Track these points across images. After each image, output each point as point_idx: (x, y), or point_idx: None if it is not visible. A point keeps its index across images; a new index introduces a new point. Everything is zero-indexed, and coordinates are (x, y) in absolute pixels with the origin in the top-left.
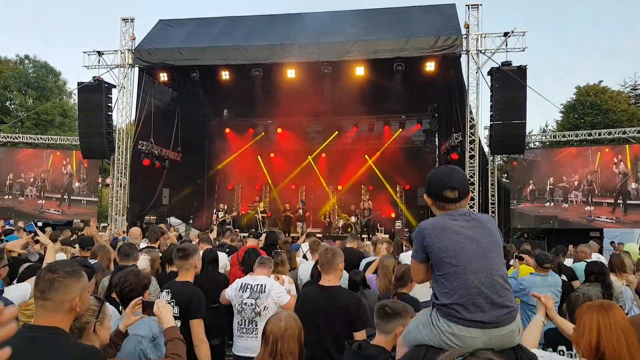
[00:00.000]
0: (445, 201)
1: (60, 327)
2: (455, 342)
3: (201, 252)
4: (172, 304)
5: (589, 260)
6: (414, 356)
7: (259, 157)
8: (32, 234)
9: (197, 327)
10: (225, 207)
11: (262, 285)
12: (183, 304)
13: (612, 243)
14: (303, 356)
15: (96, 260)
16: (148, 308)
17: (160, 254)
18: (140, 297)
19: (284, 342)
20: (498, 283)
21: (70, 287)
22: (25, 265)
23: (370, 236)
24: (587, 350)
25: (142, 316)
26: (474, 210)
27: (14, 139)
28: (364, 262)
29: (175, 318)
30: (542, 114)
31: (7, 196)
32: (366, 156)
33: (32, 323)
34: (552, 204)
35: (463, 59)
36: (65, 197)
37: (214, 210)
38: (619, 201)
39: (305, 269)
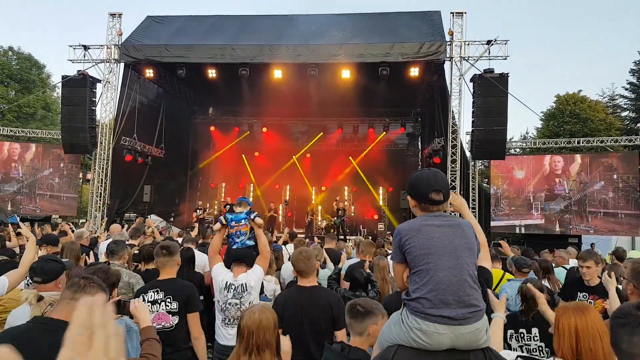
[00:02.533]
0: (431, 203)
1: None
2: (423, 338)
3: None
4: (168, 300)
5: (567, 267)
6: (384, 355)
7: (243, 155)
8: (14, 225)
9: (195, 320)
10: (207, 205)
11: (243, 284)
12: (182, 300)
13: (592, 245)
14: (280, 351)
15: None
16: (119, 307)
17: (136, 252)
18: (112, 300)
19: (259, 334)
20: (466, 282)
21: (97, 294)
22: None
23: (346, 237)
24: (567, 352)
25: (118, 316)
26: (454, 214)
27: None
28: (347, 263)
29: (174, 314)
30: (523, 121)
31: None
32: (350, 158)
33: (49, 316)
34: (533, 210)
35: (447, 65)
36: (45, 192)
37: (194, 209)
38: (596, 209)
39: (288, 268)
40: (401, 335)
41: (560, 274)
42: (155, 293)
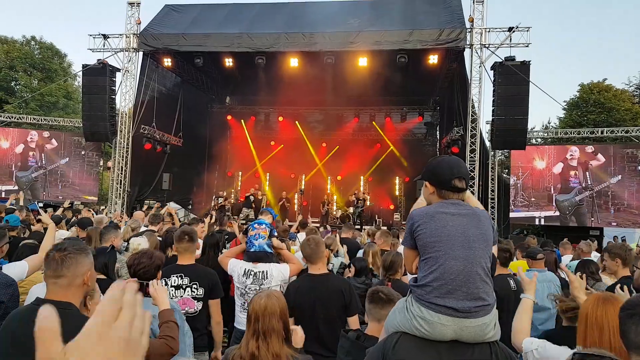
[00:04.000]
0: (452, 190)
1: (72, 302)
2: (425, 327)
3: None
4: (194, 286)
5: (585, 259)
6: (387, 341)
7: (259, 144)
8: (35, 212)
9: (218, 306)
10: (225, 193)
11: (264, 272)
12: (207, 286)
13: (615, 237)
14: (290, 339)
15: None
16: (139, 288)
17: (160, 238)
18: (130, 279)
19: (264, 319)
20: (477, 274)
21: (81, 263)
22: (22, 242)
23: (362, 227)
24: (591, 341)
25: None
26: None
27: (18, 119)
28: (361, 252)
29: (199, 300)
30: (544, 111)
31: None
32: (366, 147)
33: (45, 298)
34: (553, 202)
35: (467, 52)
36: (66, 179)
37: (213, 197)
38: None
39: (299, 257)
40: (404, 322)
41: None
42: (179, 278)
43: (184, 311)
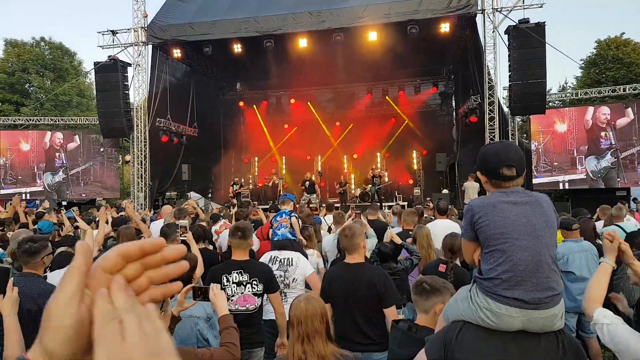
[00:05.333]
0: (503, 179)
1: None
2: (492, 319)
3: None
4: (254, 282)
5: (620, 224)
6: (449, 330)
7: (273, 129)
8: (71, 219)
9: (278, 298)
10: (242, 180)
11: (290, 258)
12: (265, 281)
13: (634, 200)
14: (332, 333)
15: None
16: (199, 293)
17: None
18: (192, 284)
19: (307, 323)
20: (546, 263)
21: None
22: (59, 250)
23: (381, 205)
24: None
25: (194, 302)
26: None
27: (36, 121)
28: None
29: (258, 295)
30: (560, 71)
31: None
32: (381, 123)
33: None
34: (577, 165)
35: (479, 18)
36: (88, 176)
37: (231, 184)
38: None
39: (328, 241)
40: (468, 312)
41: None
42: (240, 275)
43: (244, 307)
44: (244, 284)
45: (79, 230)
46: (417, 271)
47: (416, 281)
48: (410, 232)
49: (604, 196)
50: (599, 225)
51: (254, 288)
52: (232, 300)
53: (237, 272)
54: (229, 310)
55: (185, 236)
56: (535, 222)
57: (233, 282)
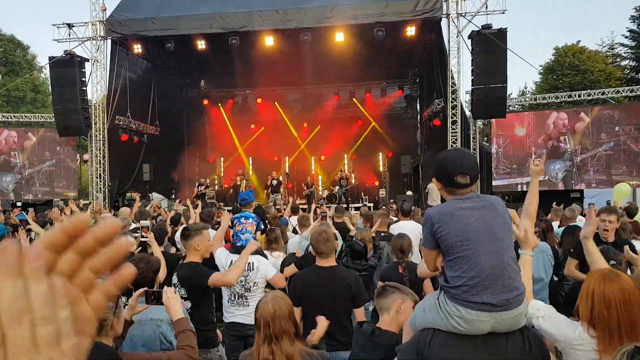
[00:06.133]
0: (457, 187)
1: None
2: (464, 325)
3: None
4: (179, 286)
5: (572, 224)
6: (421, 339)
7: (239, 128)
8: (23, 222)
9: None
10: (207, 181)
11: (250, 263)
12: (188, 286)
13: (590, 204)
14: (300, 334)
15: None
16: (152, 297)
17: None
18: (145, 289)
19: (275, 323)
20: (509, 265)
21: None
22: None
23: (348, 206)
24: (583, 314)
25: (146, 306)
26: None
27: None
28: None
29: (186, 299)
30: (521, 76)
31: None
32: (348, 124)
33: None
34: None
35: (443, 22)
36: (44, 176)
37: (196, 184)
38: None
39: (294, 242)
40: (438, 320)
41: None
42: (175, 277)
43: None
44: (177, 286)
45: (33, 233)
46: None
47: (379, 287)
48: (382, 234)
49: (558, 198)
50: (555, 225)
51: (179, 291)
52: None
53: (175, 275)
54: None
55: (146, 237)
56: (494, 225)
57: (173, 284)
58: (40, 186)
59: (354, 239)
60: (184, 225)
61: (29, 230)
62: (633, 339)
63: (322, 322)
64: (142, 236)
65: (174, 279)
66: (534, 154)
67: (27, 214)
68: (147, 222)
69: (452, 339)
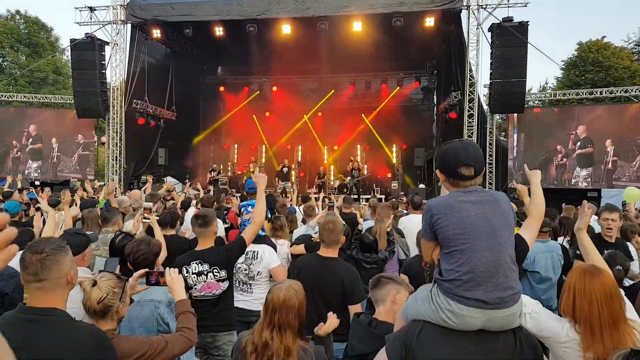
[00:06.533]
0: (461, 179)
1: (58, 307)
2: (454, 319)
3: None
4: (215, 270)
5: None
6: (410, 330)
7: (254, 116)
8: (33, 200)
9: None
10: (220, 167)
11: (255, 251)
12: (229, 268)
13: (584, 201)
14: (303, 330)
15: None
16: (153, 278)
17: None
18: (146, 269)
19: (282, 313)
20: (505, 263)
21: (62, 262)
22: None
23: (359, 197)
24: (566, 309)
25: (146, 287)
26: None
27: (8, 97)
28: (365, 225)
29: (223, 280)
30: (541, 71)
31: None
32: (363, 115)
33: (27, 304)
34: (551, 164)
35: (463, 14)
36: (62, 157)
37: (209, 170)
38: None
39: (299, 233)
40: (429, 312)
41: None
42: (199, 265)
43: (210, 294)
44: (205, 273)
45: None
46: (396, 260)
47: (374, 279)
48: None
49: (576, 197)
50: None
51: (217, 275)
52: (196, 289)
53: (196, 263)
54: (195, 297)
55: (148, 218)
56: (494, 221)
57: (193, 273)
58: (58, 166)
59: (369, 231)
60: (194, 214)
61: (38, 209)
62: (615, 334)
63: (333, 320)
64: (145, 218)
65: (204, 267)
66: (552, 150)
67: (42, 192)
68: (149, 204)
69: (441, 333)
